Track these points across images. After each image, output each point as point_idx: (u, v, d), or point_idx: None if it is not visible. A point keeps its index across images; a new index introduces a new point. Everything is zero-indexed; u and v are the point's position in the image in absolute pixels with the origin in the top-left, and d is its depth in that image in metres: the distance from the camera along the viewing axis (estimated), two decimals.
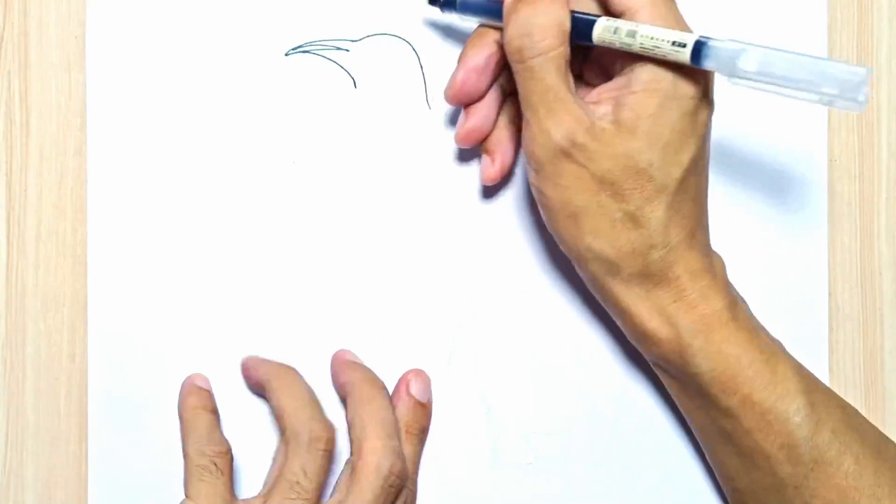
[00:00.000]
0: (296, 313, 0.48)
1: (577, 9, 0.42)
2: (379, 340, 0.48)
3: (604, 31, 0.40)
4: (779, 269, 0.48)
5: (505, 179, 0.47)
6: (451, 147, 0.48)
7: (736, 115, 0.48)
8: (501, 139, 0.46)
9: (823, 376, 0.48)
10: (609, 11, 0.41)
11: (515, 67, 0.41)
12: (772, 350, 0.43)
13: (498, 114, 0.46)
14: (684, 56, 0.39)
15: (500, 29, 0.42)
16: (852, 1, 0.49)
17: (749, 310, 0.44)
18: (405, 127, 0.48)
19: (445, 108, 0.48)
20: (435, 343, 0.48)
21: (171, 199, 0.48)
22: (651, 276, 0.42)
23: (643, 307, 0.43)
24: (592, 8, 0.43)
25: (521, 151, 0.42)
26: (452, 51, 0.48)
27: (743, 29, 0.48)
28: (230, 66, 0.48)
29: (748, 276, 0.48)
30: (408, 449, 0.46)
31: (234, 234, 0.48)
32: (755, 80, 0.38)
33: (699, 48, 0.38)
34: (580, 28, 0.41)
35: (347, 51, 0.48)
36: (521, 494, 0.48)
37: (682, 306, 0.42)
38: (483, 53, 0.44)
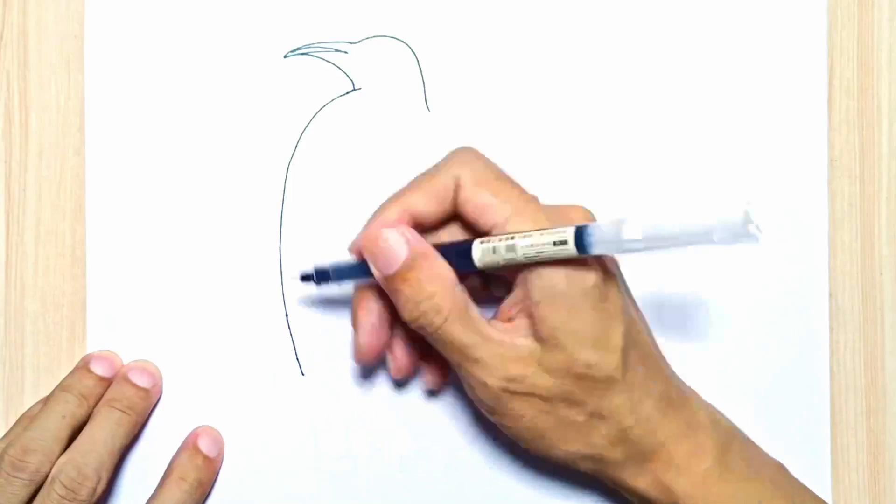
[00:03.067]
0: (295, 313, 0.48)
1: (448, 238, 0.42)
2: None
3: (483, 254, 0.39)
4: (779, 269, 0.48)
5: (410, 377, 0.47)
6: (450, 148, 0.48)
7: (736, 115, 0.48)
8: (432, 359, 0.46)
9: (824, 376, 0.48)
10: (478, 232, 0.41)
11: (426, 336, 0.41)
12: (769, 492, 0.43)
13: (413, 340, 0.45)
14: (570, 251, 0.37)
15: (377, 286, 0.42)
16: (852, 1, 0.49)
17: (739, 438, 0.44)
18: (404, 128, 0.48)
19: (444, 110, 0.48)
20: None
21: (170, 200, 0.48)
22: (637, 455, 0.42)
23: (641, 483, 0.42)
24: (461, 234, 0.42)
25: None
26: (452, 52, 0.48)
27: (743, 29, 0.48)
28: (229, 68, 0.48)
29: (748, 276, 0.48)
30: (173, 495, 0.45)
31: (233, 234, 0.48)
32: (646, 248, 0.36)
33: (581, 239, 0.37)
34: (460, 260, 0.40)
35: (346, 53, 0.48)
36: (521, 496, 0.48)
37: (675, 473, 0.42)
38: (373, 311, 0.43)
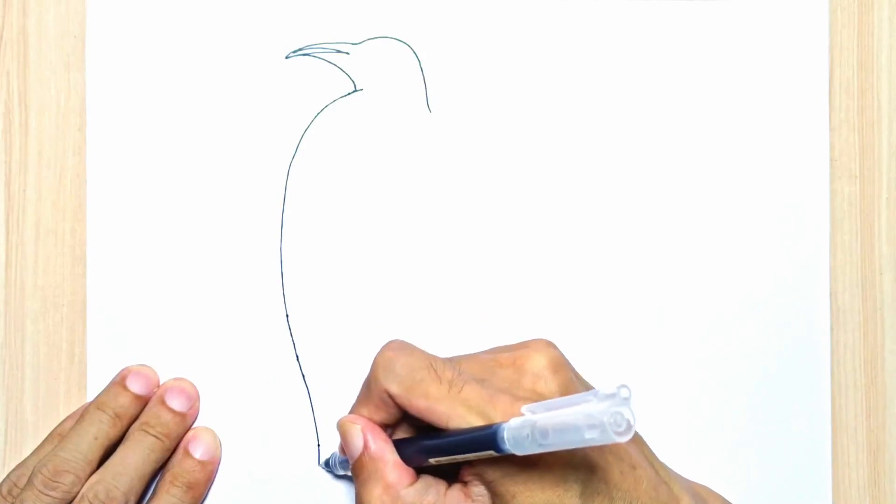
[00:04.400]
0: (294, 314, 0.48)
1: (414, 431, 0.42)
2: (378, 343, 0.48)
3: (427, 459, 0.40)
4: (779, 269, 0.48)
5: None
6: (451, 149, 0.48)
7: (736, 115, 0.48)
8: None
9: (824, 376, 0.48)
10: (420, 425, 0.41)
11: None
12: None
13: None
14: (492, 454, 0.37)
15: None
16: (852, 1, 0.49)
17: None
18: (406, 130, 0.48)
19: (446, 111, 0.48)
20: (434, 345, 0.48)
21: (171, 200, 0.48)
22: None
23: None
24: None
25: None
26: (453, 54, 0.48)
27: (744, 30, 0.48)
28: (230, 68, 0.48)
29: (749, 277, 0.48)
30: (169, 500, 0.45)
31: (234, 235, 0.48)
32: (551, 449, 0.35)
33: (494, 441, 0.36)
34: (413, 457, 0.41)
35: (348, 54, 0.48)
36: None
37: None
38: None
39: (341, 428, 0.43)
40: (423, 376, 0.40)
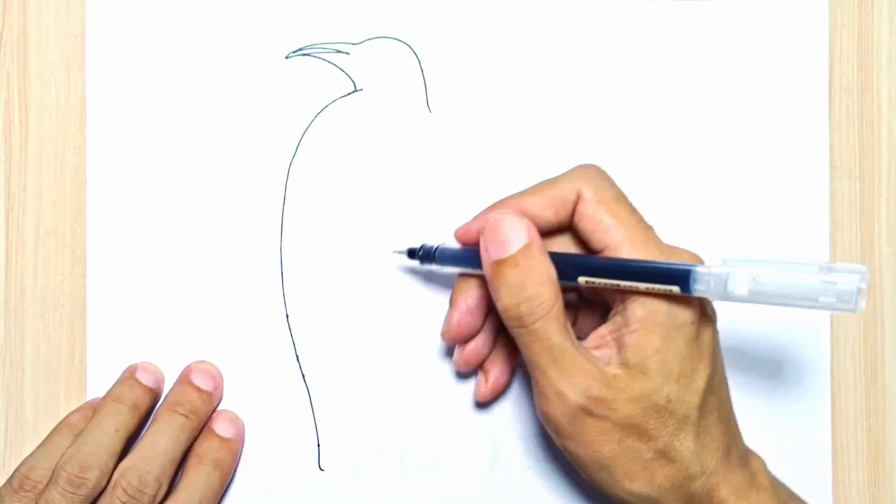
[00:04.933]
0: (294, 314, 0.48)
1: (556, 250, 0.42)
2: (379, 343, 0.48)
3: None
4: None
5: (497, 395, 0.47)
6: (451, 150, 0.48)
7: (737, 115, 0.48)
8: (496, 360, 0.46)
9: (824, 376, 0.48)
10: (589, 249, 0.41)
11: (515, 332, 0.40)
12: None
13: (495, 339, 0.46)
14: (674, 290, 0.38)
15: (481, 276, 0.42)
16: (852, 1, 0.49)
17: (795, 502, 0.44)
18: (406, 130, 0.48)
19: (446, 111, 0.48)
20: (434, 346, 0.48)
21: (171, 200, 0.48)
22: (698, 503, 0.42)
23: None
24: (571, 247, 0.42)
25: (536, 412, 0.42)
26: (453, 53, 0.48)
27: (744, 30, 0.48)
28: (230, 68, 0.48)
29: None
30: (198, 479, 0.45)
31: (234, 235, 0.48)
32: (750, 301, 0.37)
33: (687, 280, 0.37)
34: (562, 272, 0.40)
35: (348, 54, 0.48)
36: (521, 499, 0.48)
37: None
38: (472, 296, 0.44)
39: (501, 221, 0.41)
40: (619, 197, 0.41)
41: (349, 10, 0.48)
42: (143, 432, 0.45)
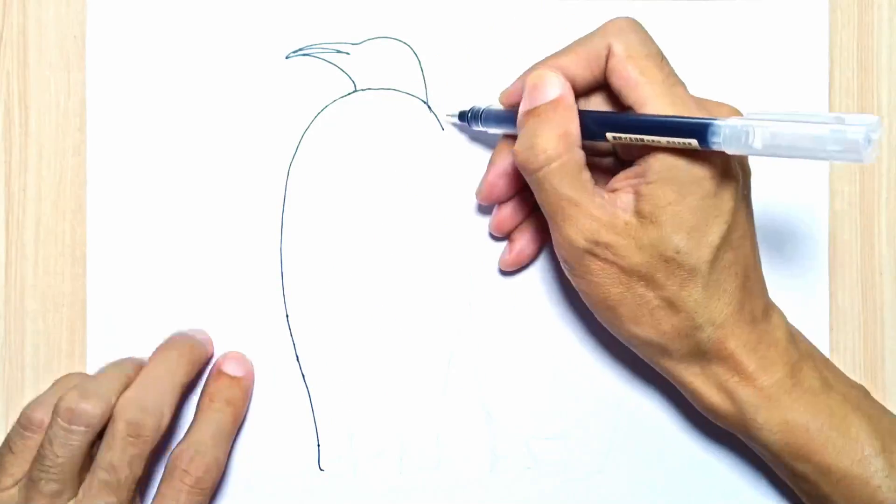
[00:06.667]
0: (295, 315, 0.48)
1: (593, 107, 0.42)
2: (379, 343, 0.48)
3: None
4: (779, 269, 0.48)
5: (522, 266, 0.48)
6: (451, 150, 0.48)
7: None
8: (525, 231, 0.47)
9: None
10: (623, 105, 0.41)
11: (527, 179, 0.42)
12: (844, 410, 0.42)
13: (528, 210, 0.47)
14: (693, 143, 0.38)
15: None
16: (852, 1, 0.49)
17: (818, 360, 0.44)
18: (406, 130, 0.48)
19: (446, 111, 0.48)
20: (434, 346, 0.48)
21: (171, 200, 0.48)
22: (704, 354, 0.42)
23: (701, 383, 0.43)
24: (607, 104, 0.43)
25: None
26: (454, 53, 0.48)
27: (745, 30, 0.48)
28: (230, 68, 0.48)
29: None
30: (210, 416, 0.45)
31: (234, 235, 0.48)
32: (763, 154, 0.37)
33: (704, 133, 0.38)
34: (590, 129, 0.41)
35: (348, 54, 0.48)
36: (521, 499, 0.48)
37: (740, 381, 0.42)
38: (508, 160, 0.45)
39: (538, 75, 0.41)
40: (651, 53, 0.41)
41: (349, 10, 0.48)
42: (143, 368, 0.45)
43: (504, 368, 0.48)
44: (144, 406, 0.43)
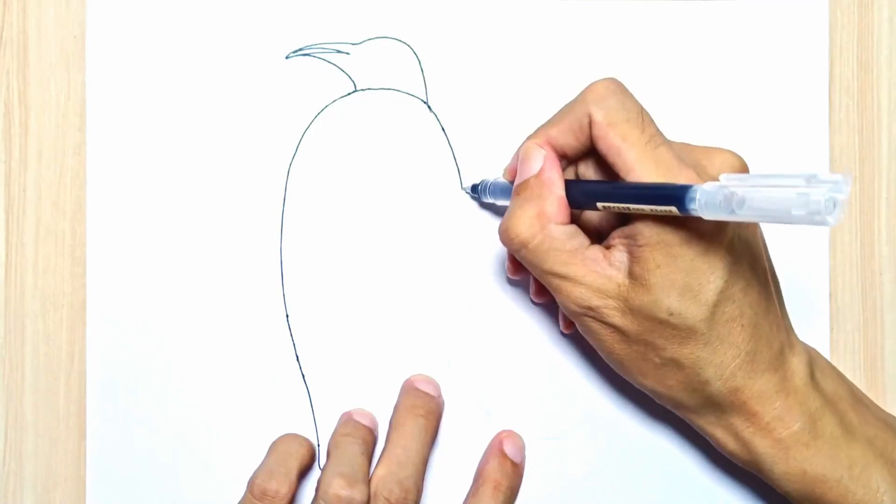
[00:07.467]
0: (295, 315, 0.48)
1: (587, 172, 0.43)
2: (379, 344, 0.48)
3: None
4: (779, 269, 0.48)
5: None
6: (451, 150, 0.48)
7: (737, 115, 0.48)
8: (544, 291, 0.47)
9: None
10: (613, 170, 0.41)
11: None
12: (865, 459, 0.42)
13: None
14: (673, 210, 0.37)
15: None
16: (852, 1, 0.49)
17: (844, 401, 0.43)
18: (406, 130, 0.48)
19: (446, 111, 0.48)
20: (434, 347, 0.48)
21: (171, 200, 0.48)
22: (718, 405, 0.42)
23: (717, 431, 0.43)
24: (597, 168, 0.43)
25: None
26: (453, 53, 0.48)
27: (744, 30, 0.48)
28: (230, 68, 0.48)
29: None
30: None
31: (234, 235, 0.48)
32: (741, 219, 0.36)
33: (682, 199, 0.36)
34: (578, 199, 0.41)
35: (348, 54, 0.48)
36: (521, 499, 0.48)
37: (756, 431, 0.42)
38: None
39: (525, 149, 0.42)
40: (631, 118, 0.40)
41: (349, 10, 0.48)
42: (386, 441, 0.45)
43: (504, 369, 0.48)
44: (404, 484, 0.44)
